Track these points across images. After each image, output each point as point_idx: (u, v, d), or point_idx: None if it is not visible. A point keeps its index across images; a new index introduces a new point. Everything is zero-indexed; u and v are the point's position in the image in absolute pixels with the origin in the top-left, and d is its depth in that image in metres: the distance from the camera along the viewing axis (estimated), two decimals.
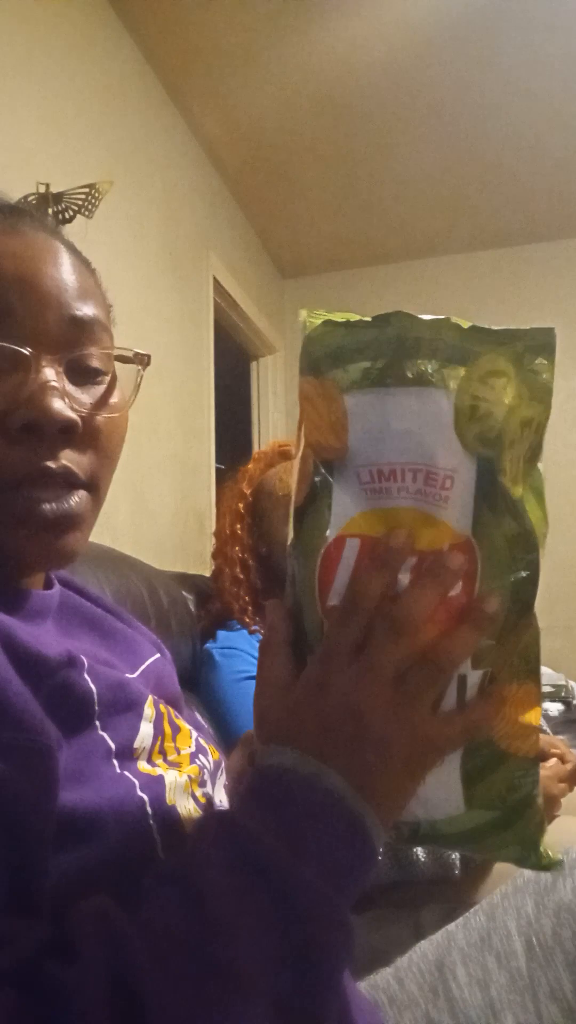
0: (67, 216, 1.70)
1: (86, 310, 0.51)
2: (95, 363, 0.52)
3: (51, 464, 0.48)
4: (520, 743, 0.43)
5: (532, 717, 0.43)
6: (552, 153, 2.80)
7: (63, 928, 0.37)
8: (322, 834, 0.40)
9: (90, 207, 1.70)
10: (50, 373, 0.48)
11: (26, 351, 0.47)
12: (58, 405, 0.47)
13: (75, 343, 0.50)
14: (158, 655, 0.70)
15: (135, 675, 0.63)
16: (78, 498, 0.49)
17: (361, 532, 0.42)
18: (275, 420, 3.59)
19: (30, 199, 1.64)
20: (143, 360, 0.55)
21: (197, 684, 1.29)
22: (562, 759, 1.23)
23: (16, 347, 0.47)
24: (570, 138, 2.71)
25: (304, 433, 0.43)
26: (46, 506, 0.48)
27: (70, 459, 0.49)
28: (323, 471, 0.42)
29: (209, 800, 0.57)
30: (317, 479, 0.42)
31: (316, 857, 0.39)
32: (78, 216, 1.70)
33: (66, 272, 0.51)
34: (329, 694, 0.42)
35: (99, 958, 0.34)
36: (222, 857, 0.39)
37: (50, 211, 1.66)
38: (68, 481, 0.49)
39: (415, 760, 0.42)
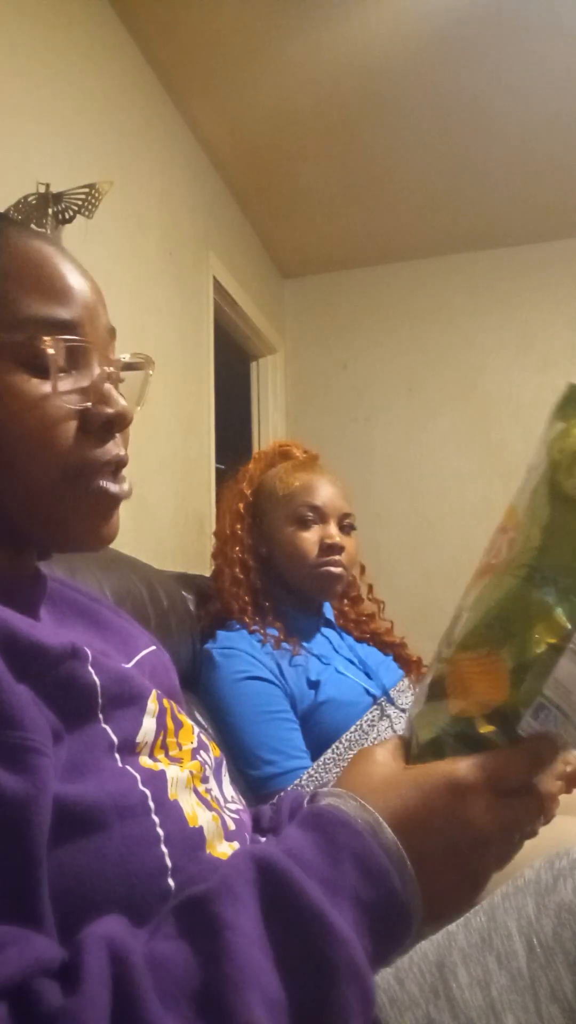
0: (67, 216, 1.69)
1: (111, 321, 0.59)
2: (120, 366, 0.59)
3: (122, 453, 0.56)
4: None
5: None
6: (552, 153, 2.80)
7: (70, 949, 0.36)
8: (363, 884, 0.41)
9: (90, 207, 1.70)
10: (111, 375, 0.56)
11: (95, 356, 0.55)
12: (125, 403, 0.55)
13: (110, 349, 0.58)
14: (153, 647, 0.70)
15: (130, 665, 0.63)
16: (128, 482, 0.58)
17: None
18: (275, 420, 3.58)
19: (30, 199, 1.64)
20: (152, 364, 0.62)
21: (197, 684, 1.29)
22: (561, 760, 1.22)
23: (92, 350, 0.55)
24: (570, 138, 2.71)
25: None
26: (117, 489, 0.55)
27: (123, 447, 0.57)
28: None
29: (212, 796, 0.57)
30: None
31: (350, 904, 0.40)
32: (78, 216, 1.70)
33: (96, 285, 0.58)
34: (472, 811, 0.45)
35: (102, 994, 0.33)
36: (255, 903, 0.39)
37: (50, 211, 1.66)
38: (124, 466, 0.57)
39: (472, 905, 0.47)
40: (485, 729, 0.48)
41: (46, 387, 0.52)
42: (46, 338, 0.52)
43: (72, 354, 0.54)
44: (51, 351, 0.52)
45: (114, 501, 0.56)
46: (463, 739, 0.49)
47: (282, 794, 0.74)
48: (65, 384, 0.53)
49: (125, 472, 0.58)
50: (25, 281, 0.53)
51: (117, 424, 0.55)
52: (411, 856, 0.43)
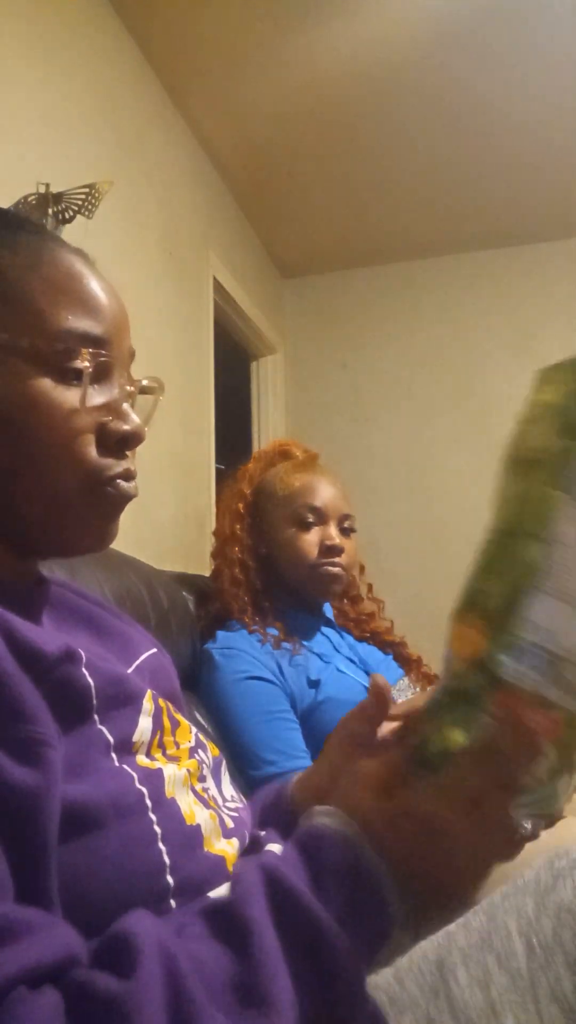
0: (67, 216, 1.69)
1: (131, 343, 0.61)
2: (138, 387, 0.62)
3: (131, 467, 0.58)
4: None
5: None
6: (552, 153, 2.80)
7: (115, 936, 0.38)
8: (349, 898, 0.45)
9: (90, 207, 1.70)
10: (131, 394, 0.58)
11: (116, 374, 0.58)
12: (140, 422, 0.58)
13: (128, 368, 0.61)
14: (154, 650, 0.70)
15: (130, 670, 0.63)
16: (135, 482, 0.60)
17: None
18: (275, 420, 3.59)
19: (30, 199, 1.63)
20: (163, 390, 0.65)
21: (197, 684, 1.29)
22: None
23: (117, 368, 0.57)
24: (570, 138, 2.71)
25: None
26: (127, 486, 0.58)
27: (132, 461, 0.60)
28: None
29: (209, 794, 0.57)
30: None
31: (337, 911, 0.44)
32: (78, 216, 1.70)
33: (124, 307, 0.60)
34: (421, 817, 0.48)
35: (157, 981, 0.35)
36: (267, 907, 0.43)
37: (50, 211, 1.66)
38: (133, 477, 0.59)
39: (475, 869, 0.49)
40: (470, 681, 0.49)
41: (74, 397, 0.54)
42: (85, 351, 0.54)
43: (99, 370, 0.56)
44: (88, 364, 0.54)
45: (123, 500, 0.58)
46: (454, 695, 0.51)
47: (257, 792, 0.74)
48: (92, 397, 0.55)
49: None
50: (64, 293, 0.54)
51: (131, 441, 0.57)
52: (390, 861, 0.47)
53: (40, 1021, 0.32)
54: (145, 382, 0.61)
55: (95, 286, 0.57)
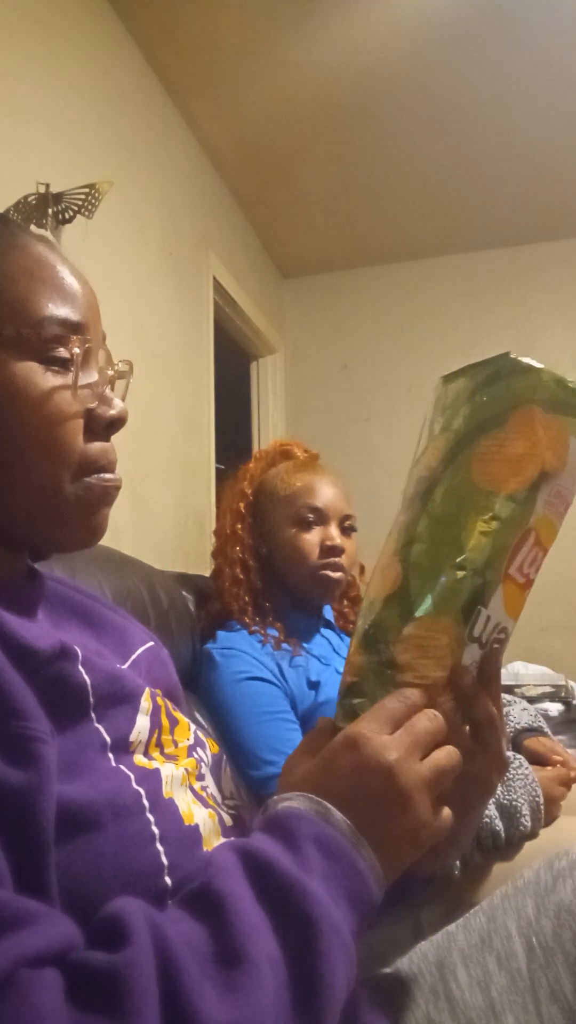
0: (67, 216, 1.70)
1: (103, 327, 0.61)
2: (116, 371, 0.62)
3: (115, 456, 0.58)
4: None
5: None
6: (552, 153, 2.80)
7: (107, 914, 0.39)
8: (327, 863, 0.45)
9: (90, 207, 1.70)
10: (111, 379, 0.58)
11: (95, 359, 0.58)
12: (123, 405, 0.58)
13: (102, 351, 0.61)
14: (151, 643, 0.70)
15: (126, 665, 0.63)
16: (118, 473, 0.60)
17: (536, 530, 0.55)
18: (275, 420, 3.58)
19: (30, 199, 1.64)
20: (132, 373, 0.64)
21: (197, 684, 1.29)
22: (564, 765, 1.23)
23: (96, 353, 0.57)
24: (570, 138, 2.71)
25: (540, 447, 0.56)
26: (112, 477, 0.58)
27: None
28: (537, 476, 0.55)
29: (208, 793, 0.57)
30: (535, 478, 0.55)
31: (320, 878, 0.44)
32: (78, 216, 1.70)
33: (94, 293, 0.60)
34: (367, 751, 0.49)
35: (148, 954, 0.36)
36: (244, 879, 0.43)
37: (50, 211, 1.66)
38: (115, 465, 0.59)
39: (425, 830, 0.48)
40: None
41: (60, 383, 0.54)
42: (75, 338, 0.54)
43: (83, 356, 0.56)
44: (78, 351, 0.54)
45: (112, 489, 0.58)
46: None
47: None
48: (80, 383, 0.56)
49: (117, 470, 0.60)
50: (41, 281, 0.55)
51: (117, 425, 0.57)
52: (356, 823, 0.47)
53: (40, 997, 0.33)
54: (120, 365, 0.61)
55: (70, 275, 0.57)
